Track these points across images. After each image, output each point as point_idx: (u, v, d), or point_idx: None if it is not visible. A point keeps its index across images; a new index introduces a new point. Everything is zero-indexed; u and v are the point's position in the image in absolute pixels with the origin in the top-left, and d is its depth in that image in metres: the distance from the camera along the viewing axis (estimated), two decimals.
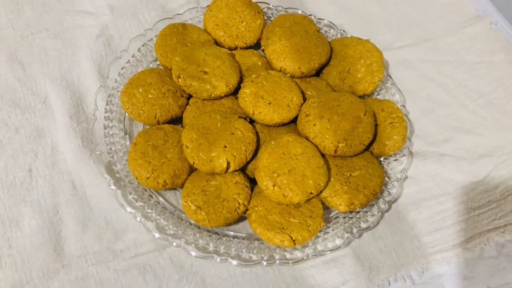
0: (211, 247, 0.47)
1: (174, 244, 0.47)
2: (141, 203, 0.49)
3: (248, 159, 0.50)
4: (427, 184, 0.56)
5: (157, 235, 0.47)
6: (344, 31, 0.65)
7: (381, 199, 0.52)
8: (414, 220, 0.53)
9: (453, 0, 0.74)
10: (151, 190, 0.51)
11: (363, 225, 0.50)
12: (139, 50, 0.61)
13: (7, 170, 0.52)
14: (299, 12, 0.65)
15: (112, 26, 0.66)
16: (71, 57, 0.62)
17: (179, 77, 0.53)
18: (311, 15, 0.65)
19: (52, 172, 0.53)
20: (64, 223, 0.50)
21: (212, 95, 0.54)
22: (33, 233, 0.49)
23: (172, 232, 0.48)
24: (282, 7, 0.66)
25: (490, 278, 0.50)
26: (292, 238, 0.46)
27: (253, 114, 0.52)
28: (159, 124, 0.54)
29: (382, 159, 0.55)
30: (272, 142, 0.50)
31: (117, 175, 0.51)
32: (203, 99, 0.55)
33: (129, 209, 0.48)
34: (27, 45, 0.63)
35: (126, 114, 0.56)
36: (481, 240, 0.52)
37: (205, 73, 0.53)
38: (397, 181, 0.53)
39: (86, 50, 0.63)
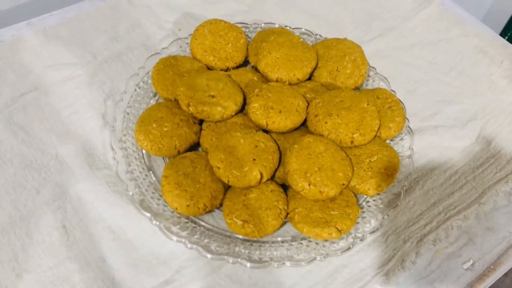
0: (266, 256, 0.49)
1: (231, 261, 0.48)
2: (186, 232, 0.50)
3: (276, 167, 0.53)
4: (431, 155, 0.61)
5: (209, 256, 0.49)
6: (320, 35, 0.69)
7: (400, 177, 0.56)
8: (430, 189, 0.58)
9: None
10: (190, 217, 0.53)
11: (391, 204, 0.54)
12: (136, 89, 0.62)
13: (40, 231, 0.52)
14: (276, 25, 0.69)
15: (100, 72, 0.66)
16: (69, 109, 0.62)
17: (188, 105, 0.55)
18: (286, 26, 0.69)
19: (87, 223, 0.53)
20: (115, 269, 0.50)
21: (224, 116, 0.56)
22: (87, 286, 0.49)
23: (224, 251, 0.49)
24: (258, 24, 0.70)
25: (508, 224, 0.56)
26: (338, 229, 0.49)
27: (267, 125, 0.55)
28: (179, 154, 0.56)
29: (388, 141, 0.60)
30: (295, 146, 0.53)
31: (155, 210, 0.52)
32: (216, 121, 0.57)
33: (176, 239, 0.49)
34: (20, 107, 0.62)
35: (143, 151, 0.57)
36: (492, 193, 0.58)
37: (213, 96, 0.56)
38: (408, 157, 0.58)
39: (82, 100, 0.63)
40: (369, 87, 0.65)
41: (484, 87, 0.69)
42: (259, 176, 0.51)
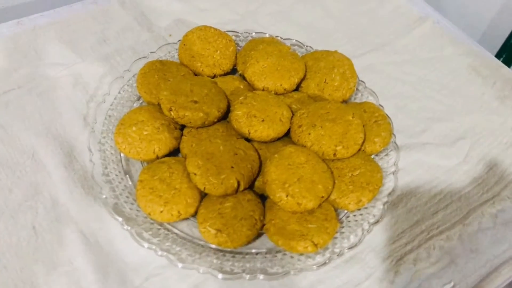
0: (237, 268, 0.48)
1: (201, 270, 0.47)
2: (158, 239, 0.49)
3: (255, 176, 0.52)
4: (417, 172, 0.60)
5: (180, 265, 0.47)
6: (311, 47, 0.69)
7: (382, 193, 0.55)
8: (414, 207, 0.56)
9: (396, 6, 0.82)
10: (164, 224, 0.51)
11: (372, 220, 0.52)
12: (120, 92, 0.61)
13: (9, 232, 0.50)
14: (267, 35, 0.69)
15: (86, 73, 0.66)
16: (51, 109, 0.61)
17: (170, 110, 0.54)
18: (277, 36, 0.69)
19: (57, 226, 0.51)
20: (83, 274, 0.48)
21: (206, 122, 0.55)
22: None
23: (196, 260, 0.48)
24: (249, 33, 0.70)
25: (493, 247, 0.54)
26: (314, 243, 0.48)
27: (249, 133, 0.54)
28: (158, 158, 0.54)
29: (373, 156, 0.58)
30: (276, 155, 0.51)
31: (128, 215, 0.50)
32: (197, 127, 0.56)
33: (147, 245, 0.48)
34: (1, 104, 0.61)
35: (122, 154, 0.56)
36: (477, 214, 0.56)
37: (195, 102, 0.55)
38: (392, 174, 0.56)
39: (65, 100, 0.62)
40: (358, 101, 0.64)
41: (475, 107, 0.68)
42: (236, 185, 0.49)
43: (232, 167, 0.50)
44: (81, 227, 0.51)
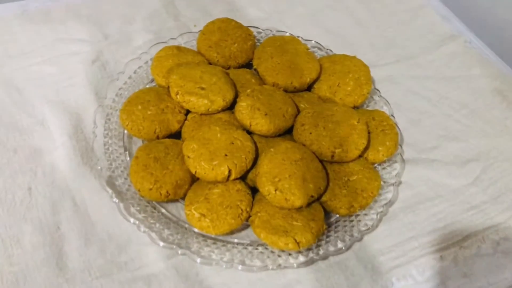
0: (216, 255, 0.47)
1: (180, 252, 0.47)
2: (144, 215, 0.49)
3: (248, 167, 0.51)
4: (420, 188, 0.57)
5: (161, 244, 0.47)
6: (330, 50, 0.68)
7: (379, 203, 0.53)
8: (411, 222, 0.54)
9: (428, 22, 0.80)
10: (153, 202, 0.52)
11: (363, 228, 0.51)
12: (135, 72, 0.63)
13: (6, 190, 0.52)
14: (287, 34, 0.69)
15: (107, 52, 0.68)
16: (68, 81, 0.63)
17: (177, 93, 0.55)
18: (299, 37, 0.68)
19: (52, 190, 0.53)
20: (66, 239, 0.49)
21: (210, 110, 0.55)
22: (35, 250, 0.48)
23: (176, 241, 0.48)
24: (271, 30, 0.70)
25: (489, 274, 0.51)
26: (296, 241, 0.47)
27: (250, 125, 0.54)
28: (158, 139, 0.55)
29: (376, 165, 0.57)
30: (272, 149, 0.51)
31: (119, 189, 0.51)
32: (201, 114, 0.56)
33: (132, 220, 0.48)
34: (23, 71, 0.64)
35: (125, 131, 0.57)
36: (477, 238, 0.54)
37: (203, 89, 0.55)
38: (393, 185, 0.54)
39: (82, 74, 0.64)
40: (370, 109, 0.63)
41: (495, 131, 0.65)
42: (226, 172, 0.49)
43: (226, 155, 0.50)
44: (74, 195, 0.52)
